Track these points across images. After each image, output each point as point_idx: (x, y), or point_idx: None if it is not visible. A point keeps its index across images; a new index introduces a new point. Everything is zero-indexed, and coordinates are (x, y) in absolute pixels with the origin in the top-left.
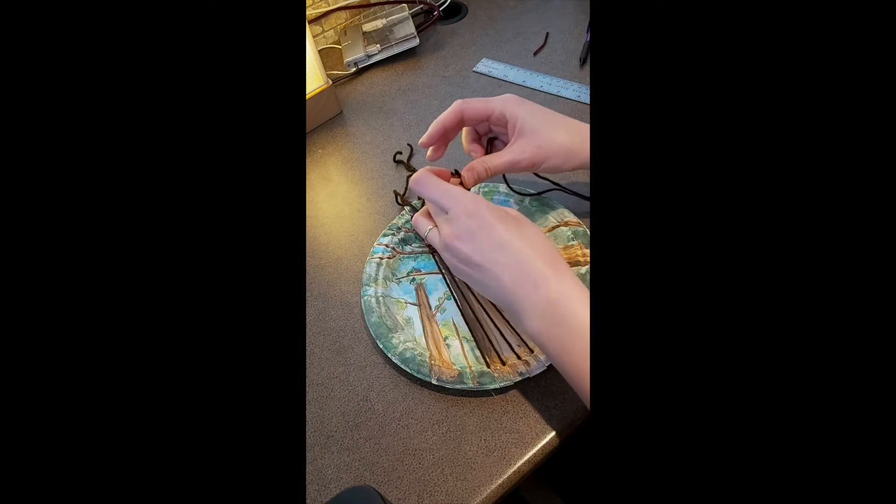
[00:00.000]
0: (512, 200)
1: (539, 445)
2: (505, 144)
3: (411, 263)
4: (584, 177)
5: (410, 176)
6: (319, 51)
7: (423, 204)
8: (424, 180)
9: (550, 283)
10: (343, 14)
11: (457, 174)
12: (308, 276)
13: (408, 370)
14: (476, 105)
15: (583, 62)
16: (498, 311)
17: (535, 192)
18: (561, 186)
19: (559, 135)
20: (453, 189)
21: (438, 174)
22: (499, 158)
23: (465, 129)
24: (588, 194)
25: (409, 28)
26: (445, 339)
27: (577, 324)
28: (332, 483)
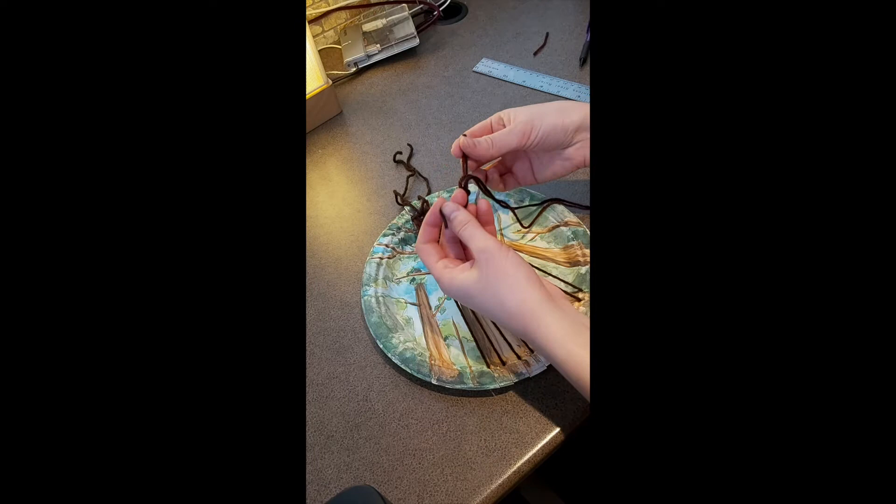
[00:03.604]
0: (512, 200)
1: (539, 445)
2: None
3: (411, 263)
4: (585, 180)
5: (411, 176)
6: (319, 51)
7: (422, 204)
8: (421, 256)
9: (530, 337)
10: (343, 14)
11: (465, 188)
12: (308, 276)
13: (408, 370)
14: (476, 127)
15: (583, 62)
16: None
17: (537, 203)
18: (562, 200)
19: (548, 105)
20: (437, 273)
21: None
22: (500, 133)
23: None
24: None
25: (409, 28)
26: (445, 339)
27: (571, 372)
28: (332, 483)
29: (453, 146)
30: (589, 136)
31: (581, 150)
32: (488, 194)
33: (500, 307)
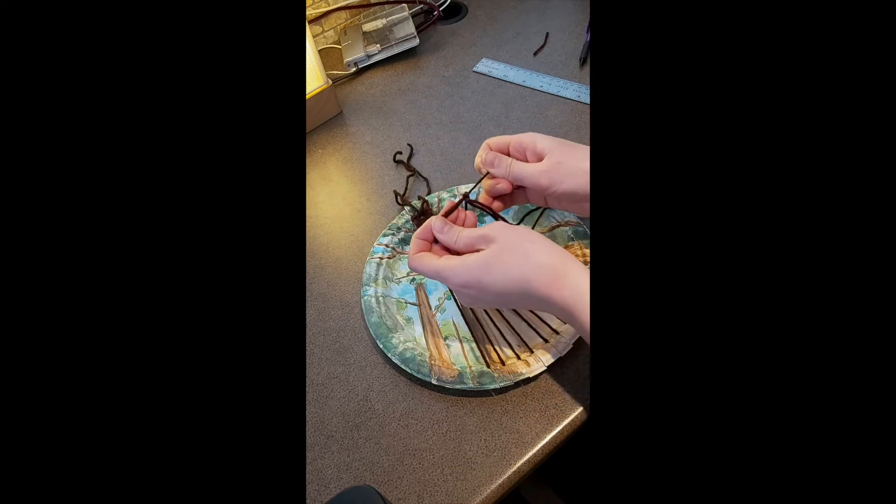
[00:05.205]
0: None
1: (539, 445)
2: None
3: None
4: None
5: (411, 176)
6: (319, 51)
7: (422, 204)
8: (417, 265)
9: (555, 299)
10: (343, 14)
11: (464, 199)
12: (308, 276)
13: (408, 370)
14: (498, 138)
15: (583, 62)
16: (498, 311)
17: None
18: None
19: (579, 155)
20: (441, 268)
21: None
22: (522, 165)
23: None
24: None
25: (409, 28)
26: (445, 339)
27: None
28: (332, 483)
29: (477, 160)
30: None
31: None
32: (493, 214)
33: (527, 262)
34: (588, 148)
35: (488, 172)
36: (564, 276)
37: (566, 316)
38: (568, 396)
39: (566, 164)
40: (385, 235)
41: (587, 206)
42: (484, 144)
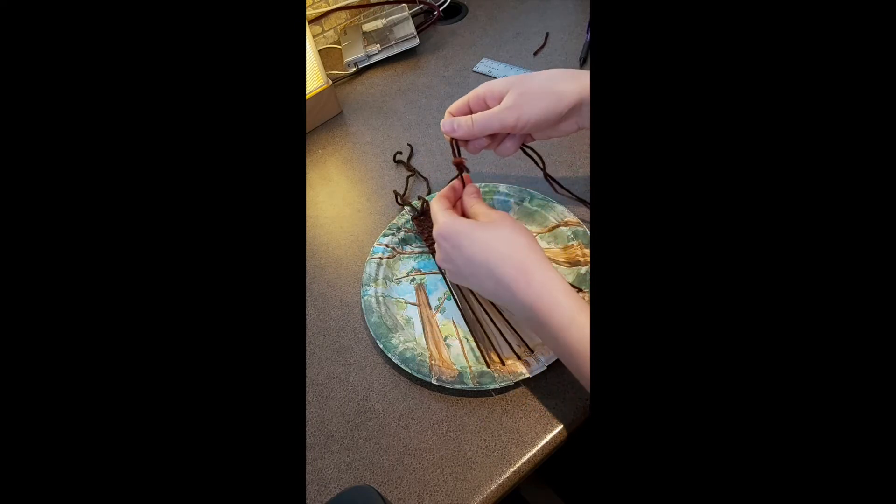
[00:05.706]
0: (512, 200)
1: (539, 445)
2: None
3: (411, 263)
4: (585, 177)
5: (411, 176)
6: (319, 51)
7: (422, 204)
8: (436, 207)
9: (520, 289)
10: (343, 14)
11: (459, 168)
12: (308, 276)
13: (408, 370)
14: (457, 102)
15: (583, 62)
16: (498, 311)
17: (536, 204)
18: (570, 191)
19: (540, 78)
20: (437, 215)
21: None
22: (484, 114)
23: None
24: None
25: (409, 28)
26: (445, 339)
27: (555, 324)
28: (332, 483)
29: (441, 124)
30: (583, 107)
31: (574, 124)
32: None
33: (508, 243)
34: (547, 71)
35: (460, 157)
36: (537, 268)
37: (528, 310)
38: (568, 396)
39: (528, 92)
40: (385, 235)
41: (564, 126)
42: (446, 113)
